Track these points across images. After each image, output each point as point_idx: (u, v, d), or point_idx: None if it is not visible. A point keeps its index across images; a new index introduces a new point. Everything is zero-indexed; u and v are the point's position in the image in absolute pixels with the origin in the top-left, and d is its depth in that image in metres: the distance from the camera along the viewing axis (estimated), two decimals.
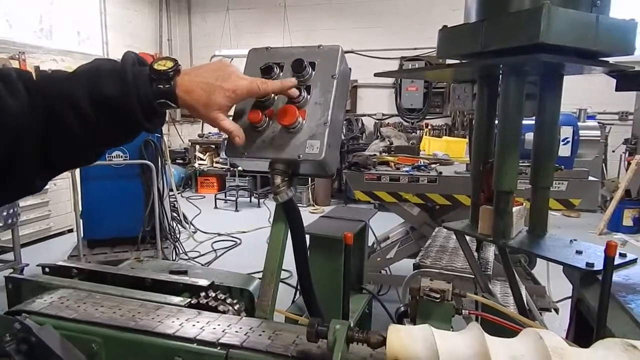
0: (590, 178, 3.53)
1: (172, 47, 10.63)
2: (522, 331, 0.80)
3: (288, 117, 1.02)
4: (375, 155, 4.14)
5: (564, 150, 3.45)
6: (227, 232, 6.24)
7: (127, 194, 4.55)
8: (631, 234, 6.79)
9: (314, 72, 1.08)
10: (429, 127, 9.03)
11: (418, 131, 9.04)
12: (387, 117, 9.65)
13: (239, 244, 5.85)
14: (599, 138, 3.56)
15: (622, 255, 1.47)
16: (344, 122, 9.66)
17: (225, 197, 8.42)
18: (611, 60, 1.54)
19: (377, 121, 9.63)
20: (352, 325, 0.83)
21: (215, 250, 5.58)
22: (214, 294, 1.16)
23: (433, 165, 3.92)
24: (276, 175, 1.06)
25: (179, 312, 1.03)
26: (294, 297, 2.37)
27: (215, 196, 8.39)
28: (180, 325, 0.96)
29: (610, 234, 6.90)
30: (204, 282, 1.23)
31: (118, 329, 0.94)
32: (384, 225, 4.69)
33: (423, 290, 0.93)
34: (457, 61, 1.70)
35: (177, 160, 9.60)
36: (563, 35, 1.30)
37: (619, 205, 6.85)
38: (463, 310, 0.95)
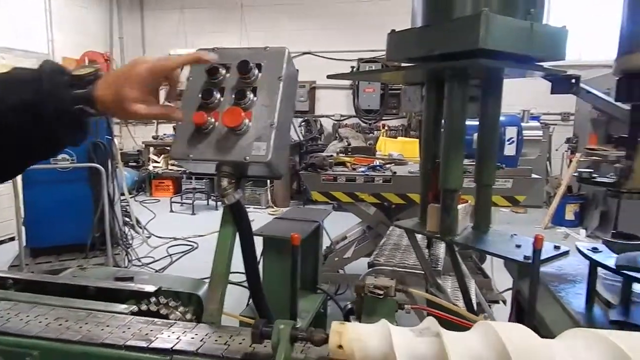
0: (534, 176, 3.73)
1: (123, 45, 10.24)
2: (476, 324, 0.82)
3: (233, 119, 1.01)
4: (332, 156, 4.18)
5: (509, 150, 3.62)
6: (183, 236, 6.09)
7: (74, 199, 4.33)
8: (573, 228, 7.24)
9: (260, 74, 1.08)
10: (386, 127, 9.21)
11: (375, 132, 9.21)
12: (345, 118, 9.76)
13: (196, 248, 5.73)
14: (541, 137, 3.78)
15: (557, 247, 1.57)
16: (303, 123, 9.68)
17: (182, 200, 8.21)
18: (547, 64, 1.64)
19: (335, 122, 9.72)
20: (305, 325, 0.83)
21: (170, 255, 5.43)
22: (160, 300, 1.13)
23: (388, 166, 4.01)
24: (223, 178, 1.06)
25: (114, 319, 0.99)
26: (249, 300, 2.35)
27: (170, 199, 8.16)
28: (110, 332, 0.93)
29: (554, 228, 7.33)
30: (150, 288, 1.20)
31: (54, 340, 0.90)
32: (343, 224, 4.75)
33: (367, 287, 0.96)
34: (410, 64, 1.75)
35: (130, 163, 9.26)
36: (501, 41, 1.37)
37: (562, 201, 7.29)
38: (405, 306, 0.99)
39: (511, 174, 3.62)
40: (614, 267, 1.04)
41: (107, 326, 0.96)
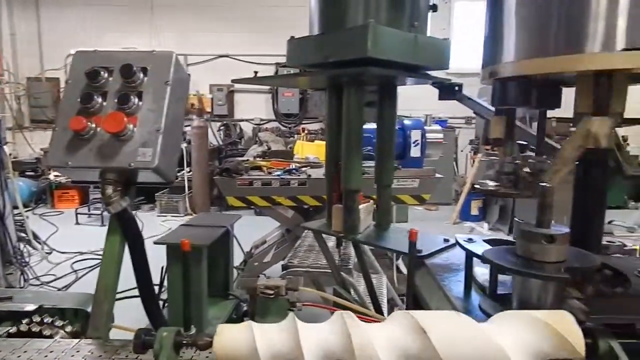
0: (437, 175, 4.02)
1: (15, 42, 9.28)
2: (392, 314, 0.90)
3: (115, 124, 0.98)
4: (248, 160, 4.16)
5: (415, 152, 3.88)
6: (90, 250, 5.65)
7: None
8: (477, 222, 7.90)
9: (145, 78, 1.06)
10: (306, 131, 9.33)
11: (296, 136, 9.28)
12: (265, 122, 9.73)
13: None
14: (442, 140, 4.09)
15: (446, 240, 1.72)
16: (222, 127, 9.47)
17: (89, 210, 7.61)
18: (439, 73, 1.79)
19: (255, 126, 9.65)
20: None
21: (75, 271, 5.01)
22: (40, 319, 1.05)
23: (304, 169, 4.07)
24: (107, 185, 1.01)
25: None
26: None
27: (76, 211, 7.53)
28: None
29: (462, 223, 7.94)
30: (30, 307, 1.11)
31: None
32: (265, 229, 4.74)
33: (259, 288, 0.98)
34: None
35: (27, 173, 8.39)
36: (388, 50, 1.47)
37: (467, 198, 7.92)
38: (297, 304, 1.02)
39: (417, 174, 3.87)
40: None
41: None
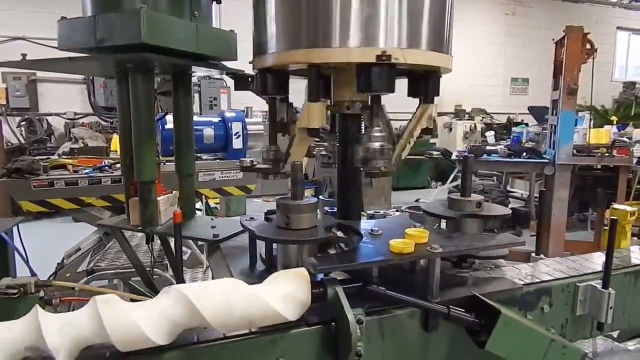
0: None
1: None
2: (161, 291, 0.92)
3: None
4: (47, 158, 3.65)
5: (237, 144, 3.95)
6: None
7: None
8: None
9: None
10: None
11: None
12: (81, 116, 8.65)
13: None
14: (263, 131, 4.25)
15: (243, 226, 1.82)
16: (23, 122, 8.08)
17: None
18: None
19: (68, 121, 8.49)
20: None
21: None
22: None
23: (119, 165, 3.76)
24: None
25: None
26: None
27: None
28: None
29: None
30: None
31: None
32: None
33: None
34: None
35: None
36: (165, 37, 1.45)
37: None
38: (53, 300, 0.96)
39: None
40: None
41: None
